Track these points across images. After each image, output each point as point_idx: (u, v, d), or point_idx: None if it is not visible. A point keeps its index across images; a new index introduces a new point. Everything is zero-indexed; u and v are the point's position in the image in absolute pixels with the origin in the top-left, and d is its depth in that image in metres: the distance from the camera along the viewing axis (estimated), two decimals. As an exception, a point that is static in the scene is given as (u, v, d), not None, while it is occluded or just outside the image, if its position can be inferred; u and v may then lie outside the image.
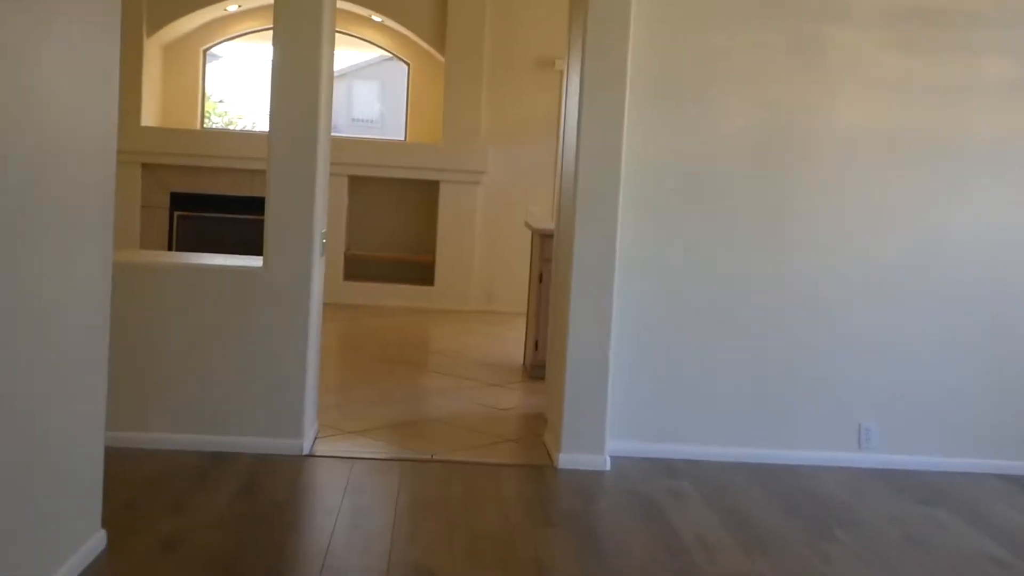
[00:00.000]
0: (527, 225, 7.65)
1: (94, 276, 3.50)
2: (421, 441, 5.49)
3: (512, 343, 8.17)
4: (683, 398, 5.37)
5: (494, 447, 5.45)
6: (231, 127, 11.07)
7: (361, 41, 10.62)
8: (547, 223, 7.21)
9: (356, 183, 10.20)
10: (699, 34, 5.29)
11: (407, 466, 4.99)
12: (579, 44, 5.14)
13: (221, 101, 11.03)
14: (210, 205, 10.05)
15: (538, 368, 6.88)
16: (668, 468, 5.16)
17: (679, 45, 5.28)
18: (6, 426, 2.88)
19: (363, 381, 6.89)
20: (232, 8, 10.23)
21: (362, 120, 12.03)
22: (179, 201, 10.07)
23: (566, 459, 5.08)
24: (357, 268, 10.25)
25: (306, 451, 5.01)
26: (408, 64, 10.68)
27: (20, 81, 2.82)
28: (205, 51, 10.53)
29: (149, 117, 10.04)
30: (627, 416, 5.30)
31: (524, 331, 7.69)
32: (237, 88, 11.12)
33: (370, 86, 12.13)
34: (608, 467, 5.08)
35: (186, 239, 10.00)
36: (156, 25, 9.86)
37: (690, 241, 5.34)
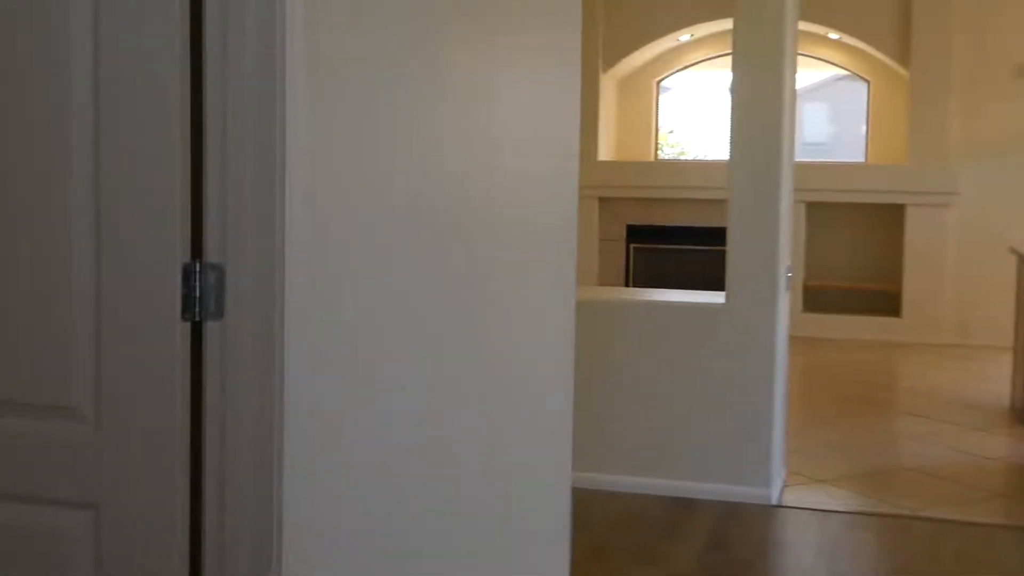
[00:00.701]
0: (1013, 250, 6.86)
1: (559, 314, 3.42)
2: (899, 493, 4.99)
3: (995, 381, 7.34)
4: None
5: (984, 503, 4.84)
6: (682, 158, 11.00)
7: (811, 61, 10.15)
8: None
9: (813, 209, 9.73)
10: None
11: (886, 523, 4.53)
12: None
13: (671, 132, 11.01)
14: (665, 237, 10.02)
15: (1031, 413, 6.11)
16: None
17: None
18: (481, 467, 2.83)
19: (828, 423, 6.46)
20: (684, 37, 10.17)
21: (812, 143, 11.58)
22: (635, 233, 10.12)
23: (1078, 525, 4.39)
24: (817, 299, 9.76)
25: (774, 501, 4.69)
26: (867, 81, 10.08)
27: (487, 122, 2.78)
28: (658, 83, 10.55)
29: (605, 151, 10.19)
30: None
31: (1011, 368, 6.88)
32: (686, 118, 11.05)
33: (819, 108, 11.65)
34: None
35: (642, 272, 10.04)
36: (612, 60, 10.00)
37: None
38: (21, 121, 1.77)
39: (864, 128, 10.18)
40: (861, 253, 9.90)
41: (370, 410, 2.15)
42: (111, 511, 1.78)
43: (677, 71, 10.52)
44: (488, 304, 2.82)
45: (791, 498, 4.79)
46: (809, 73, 10.57)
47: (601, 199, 9.98)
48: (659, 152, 10.67)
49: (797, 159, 9.47)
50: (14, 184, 1.78)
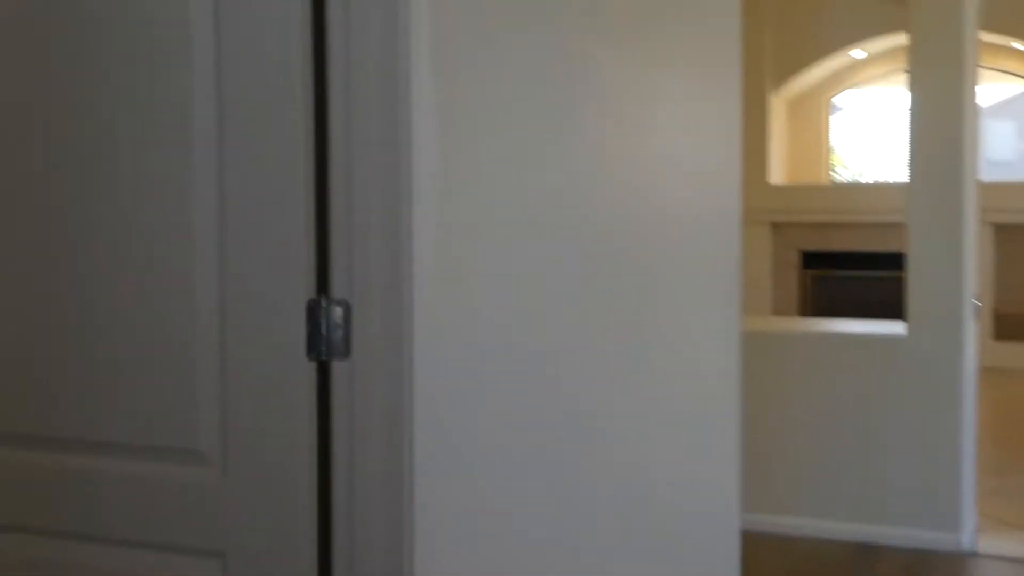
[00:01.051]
0: None
1: (722, 346, 3.23)
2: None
3: None
4: None
5: None
6: (857, 179, 10.58)
7: (995, 75, 9.60)
8: None
9: (1002, 232, 9.18)
10: None
11: (1095, 573, 4.15)
12: None
13: (845, 153, 10.62)
14: (841, 263, 9.63)
15: None
16: None
17: None
18: (640, 511, 2.67)
19: (1024, 460, 6.01)
20: (856, 54, 9.78)
21: (998, 162, 10.99)
22: (810, 260, 9.76)
23: None
24: (1009, 327, 9.18)
25: (966, 547, 4.36)
26: (1059, 94, 9.49)
27: (637, 140, 2.63)
28: (829, 102, 10.19)
29: (776, 175, 9.88)
30: None
31: None
32: (860, 138, 10.62)
33: (1005, 124, 11.05)
34: None
35: (819, 300, 9.67)
36: (780, 80, 9.71)
37: None
38: (142, 167, 1.73)
39: (1057, 144, 9.58)
40: (1057, 277, 9.29)
41: (510, 454, 2.02)
42: (238, 560, 1.70)
43: (849, 89, 10.13)
44: (643, 336, 2.66)
45: (985, 544, 4.44)
46: (994, 87, 10.02)
47: (773, 224, 9.65)
48: (832, 174, 10.29)
49: (983, 178, 8.94)
50: (138, 225, 1.73)
